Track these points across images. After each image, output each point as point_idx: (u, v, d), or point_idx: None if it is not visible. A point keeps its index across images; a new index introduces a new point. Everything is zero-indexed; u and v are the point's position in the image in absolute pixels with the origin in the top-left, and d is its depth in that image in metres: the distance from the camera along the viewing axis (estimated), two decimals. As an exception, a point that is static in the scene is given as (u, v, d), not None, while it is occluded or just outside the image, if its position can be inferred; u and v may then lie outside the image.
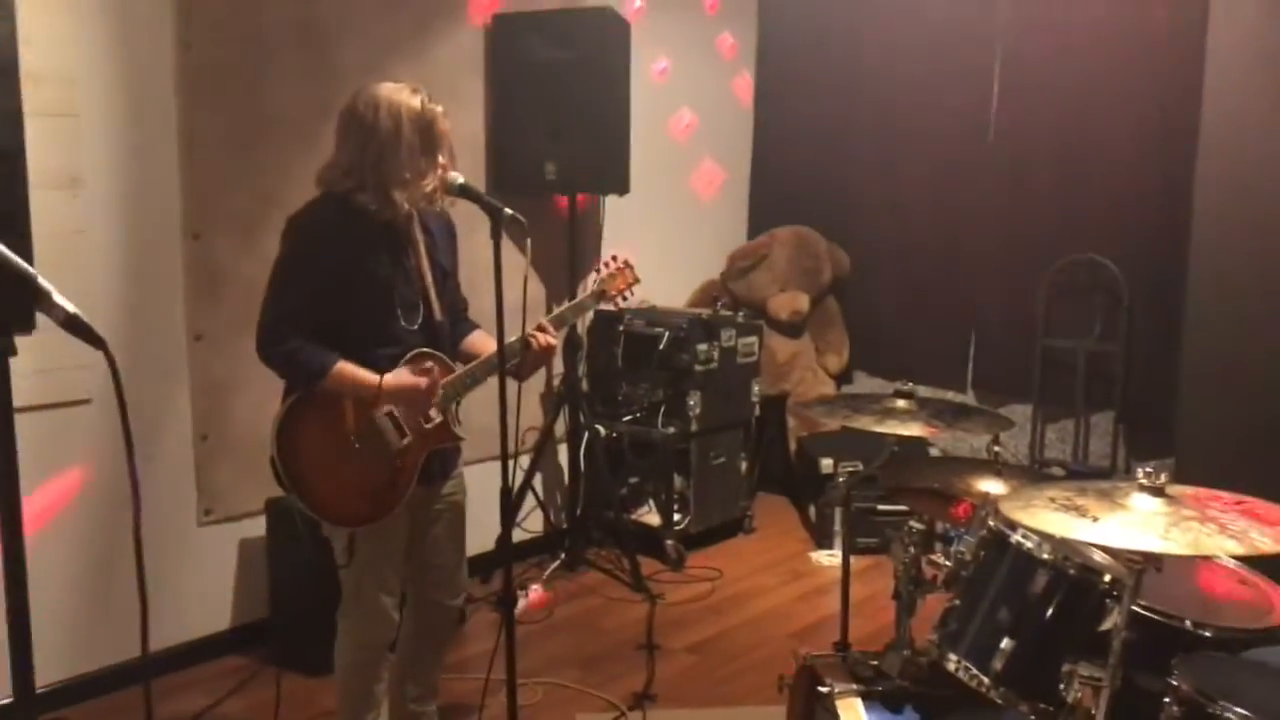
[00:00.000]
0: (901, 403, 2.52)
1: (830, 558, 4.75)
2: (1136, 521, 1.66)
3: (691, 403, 4.58)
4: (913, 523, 2.30)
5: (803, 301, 5.26)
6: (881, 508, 4.72)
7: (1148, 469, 1.75)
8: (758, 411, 4.99)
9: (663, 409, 4.60)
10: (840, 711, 2.11)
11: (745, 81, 5.58)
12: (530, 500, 4.51)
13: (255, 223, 3.49)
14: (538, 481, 4.57)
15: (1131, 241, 4.48)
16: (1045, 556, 1.92)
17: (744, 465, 4.96)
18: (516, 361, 2.55)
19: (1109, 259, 4.53)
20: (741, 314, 4.96)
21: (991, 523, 2.02)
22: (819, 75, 5.41)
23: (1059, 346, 4.75)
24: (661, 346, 4.58)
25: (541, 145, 4.16)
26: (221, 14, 3.41)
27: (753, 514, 5.05)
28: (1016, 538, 1.97)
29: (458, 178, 2.45)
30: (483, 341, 2.67)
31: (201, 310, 3.45)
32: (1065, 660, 1.84)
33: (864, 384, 5.54)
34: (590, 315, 4.68)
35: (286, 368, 2.41)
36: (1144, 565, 1.79)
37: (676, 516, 4.64)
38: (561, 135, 4.14)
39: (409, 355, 2.50)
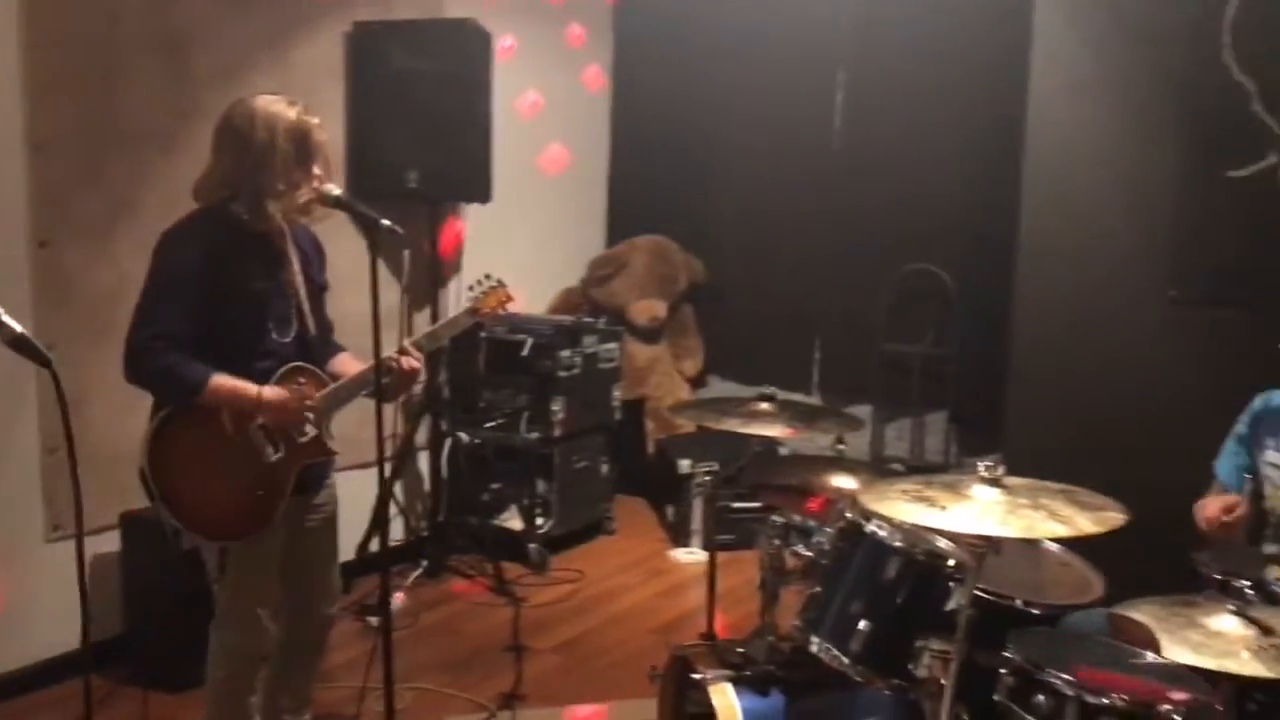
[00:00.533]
0: (764, 405, 2.68)
1: (689, 555, 4.91)
2: (978, 510, 1.85)
3: (555, 408, 4.67)
4: (775, 517, 2.45)
5: (660, 308, 5.42)
6: (738, 505, 4.93)
7: (987, 463, 1.94)
8: (618, 416, 5.11)
9: (526, 415, 4.67)
10: (712, 697, 2.24)
11: (598, 79, 5.69)
12: (391, 508, 4.51)
13: (108, 230, 3.40)
14: (399, 489, 4.57)
15: (962, 252, 4.82)
16: (896, 544, 2.10)
17: (605, 468, 5.08)
18: (385, 381, 2.58)
19: (942, 269, 4.86)
20: (603, 321, 5.08)
21: (848, 515, 2.19)
22: (674, 89, 5.58)
23: (896, 351, 5.05)
24: (525, 353, 4.65)
25: (403, 153, 4.17)
26: (71, 17, 3.31)
27: (613, 515, 5.17)
28: (870, 528, 2.14)
29: (334, 189, 2.48)
30: (348, 364, 2.68)
31: (51, 320, 3.32)
32: (916, 638, 2.02)
33: (719, 387, 5.74)
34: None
35: (162, 384, 2.39)
36: (985, 549, 1.98)
37: (539, 520, 4.72)
38: (423, 143, 4.16)
39: (283, 369, 2.51)
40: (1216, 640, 1.71)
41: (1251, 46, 3.23)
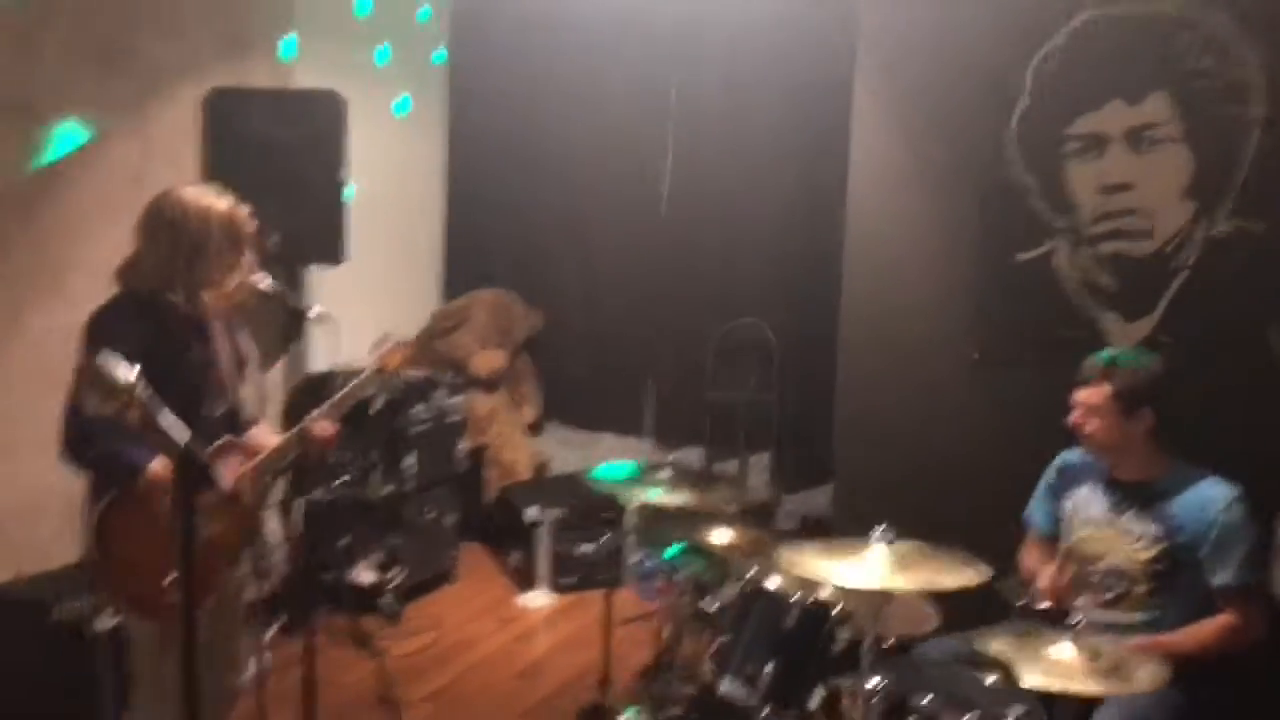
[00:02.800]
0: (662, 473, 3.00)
1: (537, 599, 5.14)
2: (875, 566, 2.23)
3: (408, 463, 4.81)
4: (686, 572, 2.75)
5: (501, 359, 5.65)
6: (583, 547, 5.23)
7: (882, 528, 2.33)
8: (463, 467, 5.29)
9: (378, 469, 4.78)
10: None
11: (431, 141, 5.87)
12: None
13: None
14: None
15: (783, 307, 5.32)
16: (793, 597, 2.45)
17: (450, 518, 5.24)
18: (299, 453, 2.72)
19: (765, 321, 5.34)
20: (450, 375, 5.26)
21: (750, 573, 2.53)
22: (509, 148, 5.83)
23: (723, 398, 5.49)
24: (377, 409, 4.76)
25: (261, 217, 4.20)
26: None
27: (458, 564, 5.33)
28: (769, 584, 2.49)
29: (265, 279, 2.60)
30: (267, 435, 2.79)
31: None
32: (812, 676, 2.38)
33: (555, 433, 6.01)
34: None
35: (102, 469, 2.44)
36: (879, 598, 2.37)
37: (391, 573, 4.83)
38: (281, 208, 4.22)
39: (216, 445, 2.60)
40: (1059, 666, 2.14)
41: (1030, 150, 3.84)
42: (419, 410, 4.86)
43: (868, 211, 4.12)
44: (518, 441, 5.74)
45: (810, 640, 2.41)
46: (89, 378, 2.38)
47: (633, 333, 5.75)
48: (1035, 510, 3.17)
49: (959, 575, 2.23)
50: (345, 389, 2.97)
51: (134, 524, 2.49)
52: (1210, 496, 2.72)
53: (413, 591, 4.95)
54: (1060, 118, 3.78)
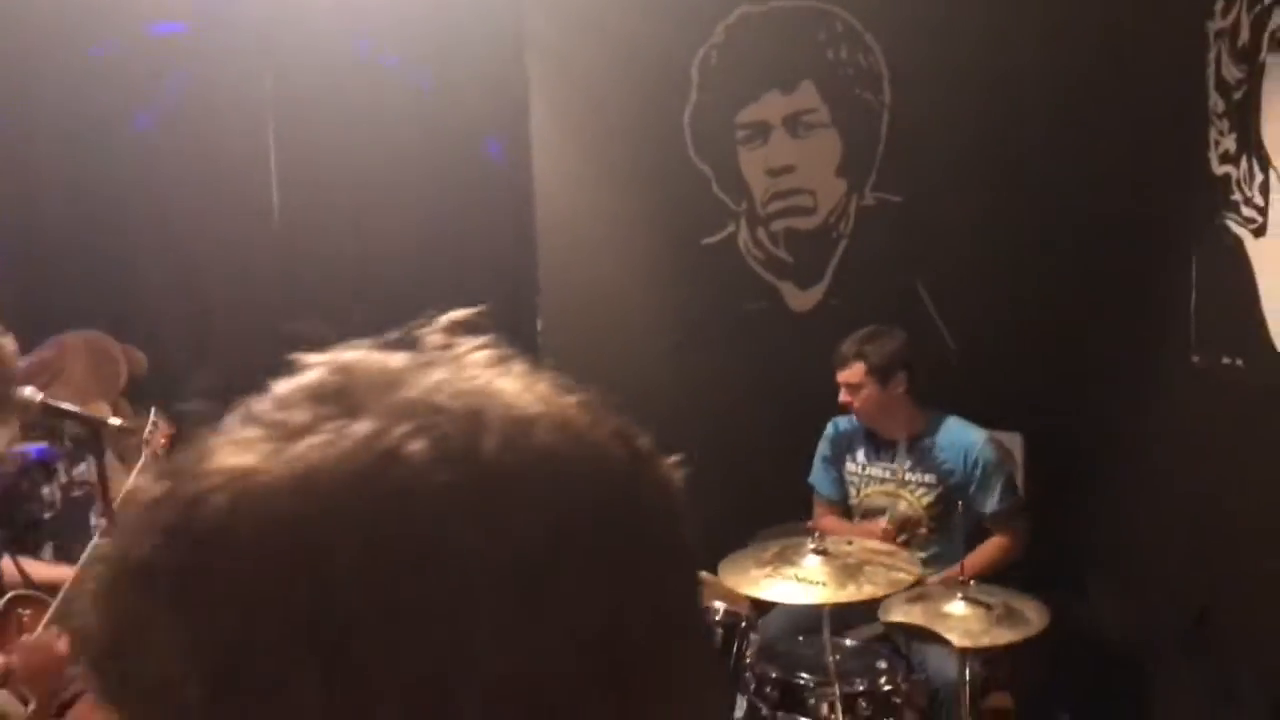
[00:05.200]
0: None
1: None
2: (814, 575, 2.32)
3: (46, 558, 3.97)
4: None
5: (107, 410, 4.81)
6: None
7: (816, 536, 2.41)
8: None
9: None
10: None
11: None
12: None
13: None
14: None
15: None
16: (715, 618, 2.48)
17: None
18: None
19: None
20: (67, 439, 4.39)
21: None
22: (70, 176, 4.91)
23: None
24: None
25: None
26: None
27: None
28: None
29: (34, 394, 2.03)
30: (41, 569, 2.24)
31: None
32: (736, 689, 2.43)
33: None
34: None
35: None
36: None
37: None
38: None
39: (5, 600, 2.03)
40: (965, 623, 2.41)
41: (704, 143, 4.08)
42: (47, 493, 4.02)
43: (555, 216, 4.13)
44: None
45: (735, 654, 2.46)
46: None
47: (258, 360, 5.19)
48: (819, 479, 3.46)
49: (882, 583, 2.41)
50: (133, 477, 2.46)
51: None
52: (969, 441, 3.17)
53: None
54: (727, 109, 4.05)
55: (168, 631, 0.42)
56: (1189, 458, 3.18)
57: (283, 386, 0.48)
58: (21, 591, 2.13)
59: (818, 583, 2.27)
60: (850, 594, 2.26)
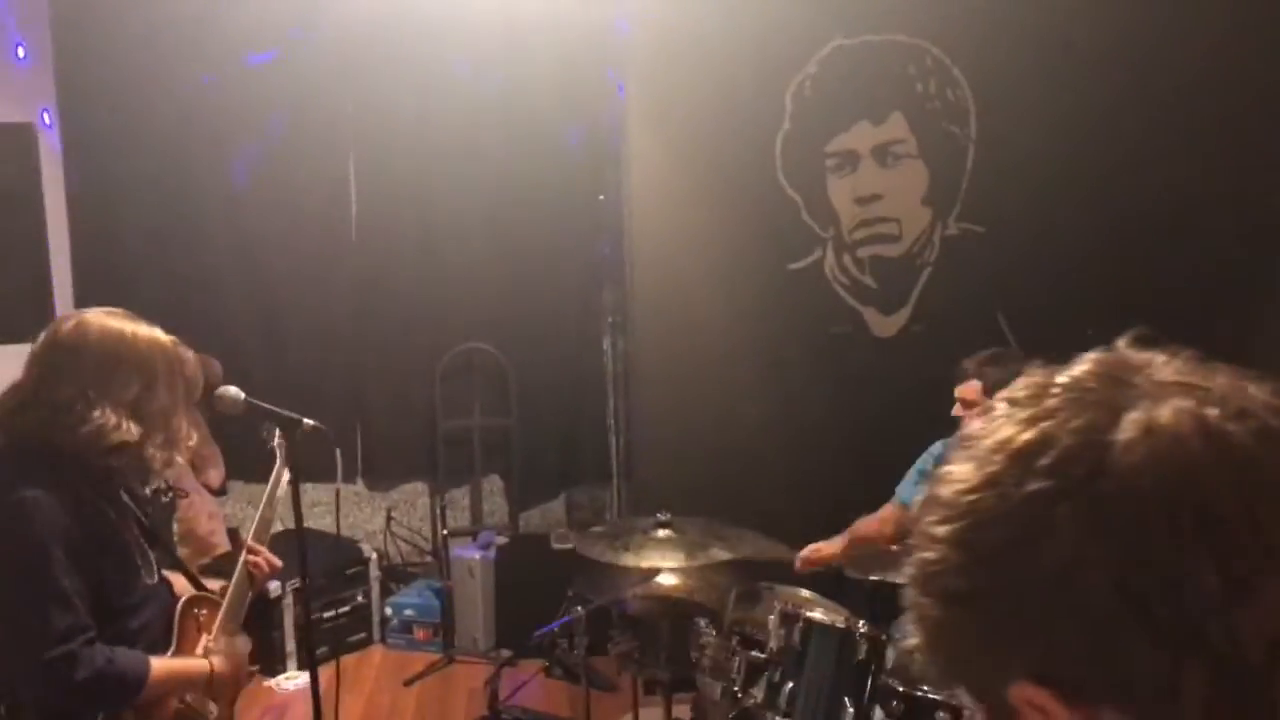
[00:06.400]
0: (661, 532, 2.88)
1: (289, 680, 4.60)
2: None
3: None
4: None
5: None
6: (328, 615, 4.79)
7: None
8: (178, 550, 4.53)
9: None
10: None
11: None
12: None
13: None
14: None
15: (510, 331, 5.17)
16: (840, 626, 2.55)
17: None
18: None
19: (491, 346, 5.17)
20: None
21: (791, 612, 2.57)
22: (140, 183, 4.98)
23: (458, 427, 5.25)
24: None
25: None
26: None
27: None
28: (814, 616, 2.56)
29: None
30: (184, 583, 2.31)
31: None
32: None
33: (243, 492, 5.33)
34: None
35: (99, 693, 1.86)
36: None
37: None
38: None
39: (180, 612, 2.08)
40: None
41: (794, 170, 4.19)
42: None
43: (650, 233, 4.22)
44: (212, 510, 5.01)
45: (875, 668, 2.53)
46: None
47: (330, 373, 5.26)
48: (905, 487, 3.53)
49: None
50: (263, 505, 2.53)
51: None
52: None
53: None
54: (818, 138, 4.17)
55: (1076, 532, 0.61)
56: None
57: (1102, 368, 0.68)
58: (195, 594, 2.18)
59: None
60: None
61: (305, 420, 2.17)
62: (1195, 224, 3.70)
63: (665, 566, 2.78)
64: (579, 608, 2.79)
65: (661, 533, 2.85)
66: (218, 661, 2.08)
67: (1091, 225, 3.95)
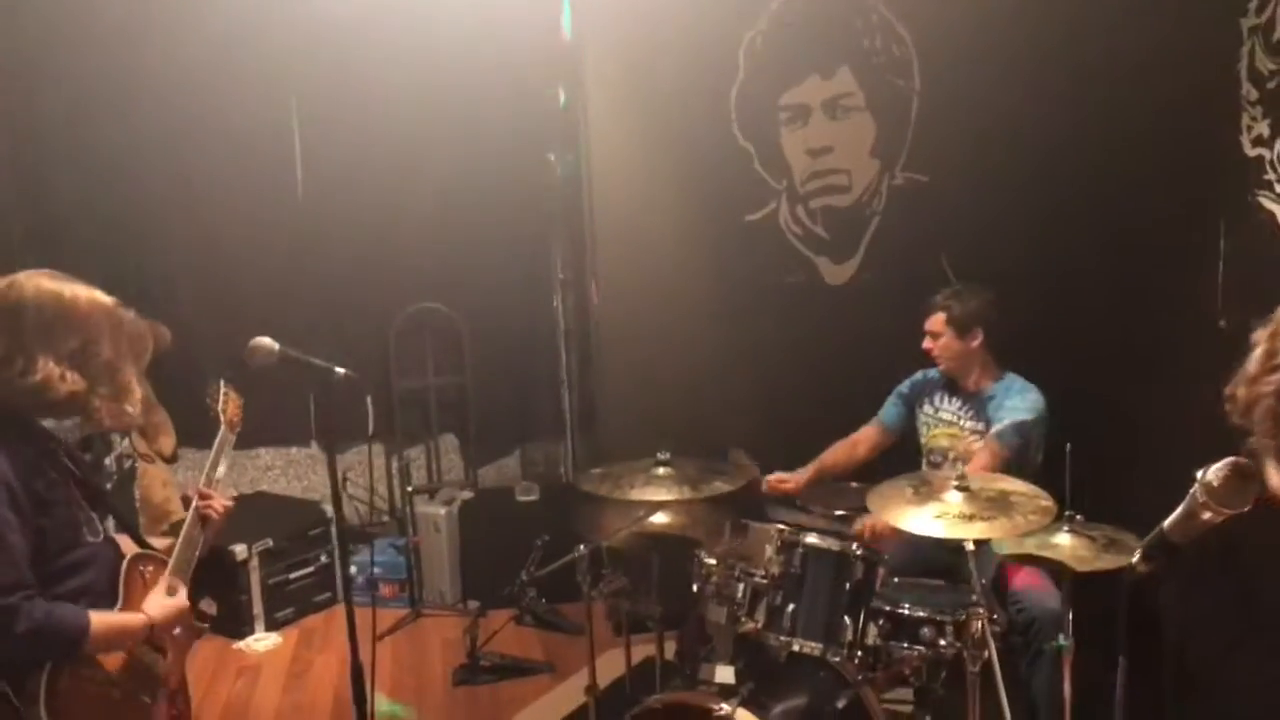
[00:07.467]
0: (660, 470, 3.00)
1: (259, 641, 4.63)
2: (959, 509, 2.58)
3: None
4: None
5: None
6: (294, 576, 4.83)
7: (959, 473, 2.65)
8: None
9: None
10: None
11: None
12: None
13: None
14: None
15: (462, 290, 5.21)
16: (834, 548, 2.71)
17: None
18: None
19: (445, 305, 5.21)
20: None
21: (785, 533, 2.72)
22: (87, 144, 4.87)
23: (414, 386, 5.29)
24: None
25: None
26: None
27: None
28: (809, 539, 2.72)
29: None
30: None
31: None
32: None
33: (191, 459, 5.27)
34: None
35: (38, 646, 1.91)
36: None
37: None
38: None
39: (125, 568, 2.13)
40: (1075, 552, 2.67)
41: (747, 120, 4.31)
42: (108, 463, 4.05)
43: (609, 188, 4.31)
44: (166, 477, 4.96)
45: (869, 587, 2.70)
46: None
47: (281, 338, 5.20)
48: (887, 409, 3.71)
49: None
50: (212, 454, 2.49)
51: (83, 698, 1.99)
52: (1014, 390, 3.43)
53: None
54: (770, 91, 4.28)
55: None
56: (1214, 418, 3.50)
57: None
58: (139, 551, 2.19)
59: (967, 515, 2.50)
60: (1000, 527, 2.49)
61: (338, 369, 2.20)
62: (1127, 169, 3.90)
63: (670, 500, 2.90)
64: (581, 546, 2.89)
65: (661, 470, 2.98)
66: (155, 612, 2.10)
67: (1029, 172, 4.13)
